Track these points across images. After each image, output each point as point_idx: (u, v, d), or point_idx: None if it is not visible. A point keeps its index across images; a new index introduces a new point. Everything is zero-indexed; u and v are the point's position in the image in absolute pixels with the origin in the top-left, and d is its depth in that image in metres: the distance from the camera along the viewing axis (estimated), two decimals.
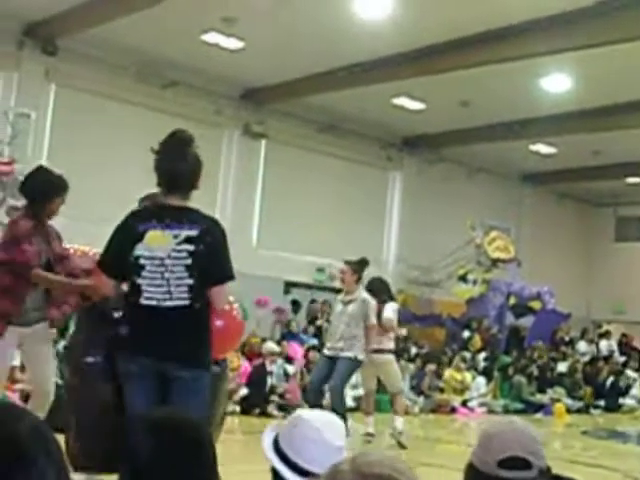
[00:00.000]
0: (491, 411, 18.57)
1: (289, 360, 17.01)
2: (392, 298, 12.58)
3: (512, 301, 23.09)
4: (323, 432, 3.00)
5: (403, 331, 14.24)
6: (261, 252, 21.03)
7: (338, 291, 22.58)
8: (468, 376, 19.13)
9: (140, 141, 19.15)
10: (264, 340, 17.28)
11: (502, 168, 26.00)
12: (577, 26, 14.93)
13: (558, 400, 20.21)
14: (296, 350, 17.51)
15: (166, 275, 5.13)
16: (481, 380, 19.58)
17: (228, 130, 20.96)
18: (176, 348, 5.14)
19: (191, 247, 5.14)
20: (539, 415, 18.74)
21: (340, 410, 11.11)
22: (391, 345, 12.15)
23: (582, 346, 25.26)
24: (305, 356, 16.82)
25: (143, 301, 5.15)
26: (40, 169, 7.23)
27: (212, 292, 5.23)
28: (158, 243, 5.15)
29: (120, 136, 18.69)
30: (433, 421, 13.63)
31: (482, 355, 21.54)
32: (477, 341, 21.96)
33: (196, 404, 5.00)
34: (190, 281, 5.14)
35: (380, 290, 12.37)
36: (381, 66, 17.72)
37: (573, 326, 25.49)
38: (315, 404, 11.32)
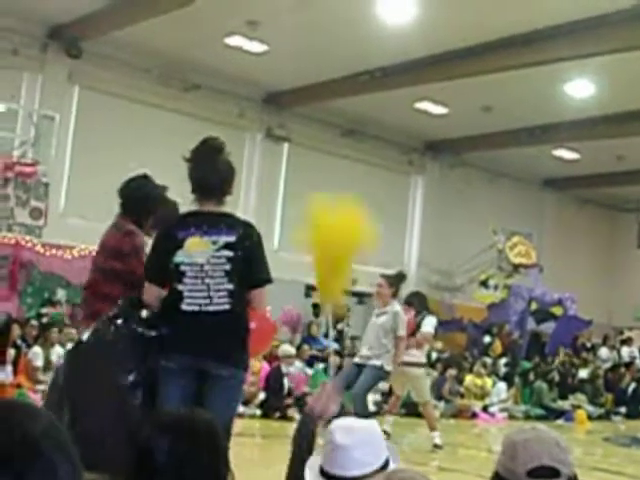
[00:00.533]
0: (512, 417, 18.51)
1: (310, 363, 17.01)
2: (430, 312, 12.67)
3: (533, 307, 23.01)
4: (333, 434, 3.02)
5: (438, 344, 14.29)
6: (282, 255, 20.99)
7: (357, 295, 22.71)
8: (489, 381, 19.06)
9: (163, 144, 19.35)
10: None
11: (524, 173, 25.93)
12: (600, 32, 14.88)
13: (579, 407, 20.12)
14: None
15: (206, 281, 5.22)
16: (502, 385, 19.52)
17: (251, 133, 20.99)
18: (216, 347, 5.23)
19: (230, 253, 5.26)
20: (560, 421, 18.64)
21: (362, 416, 11.16)
22: (423, 359, 12.32)
23: (603, 352, 25.16)
24: (325, 360, 16.80)
25: (185, 307, 5.24)
26: (143, 179, 7.15)
27: (252, 295, 5.36)
28: (197, 249, 5.25)
29: (143, 139, 18.75)
30: (454, 426, 13.60)
31: (503, 360, 21.47)
32: (498, 346, 21.90)
33: (229, 401, 5.19)
34: (230, 286, 5.24)
35: (418, 303, 12.56)
36: (404, 70, 17.70)
37: (594, 332, 25.37)
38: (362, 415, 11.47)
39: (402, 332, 11.51)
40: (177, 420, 2.59)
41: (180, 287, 5.24)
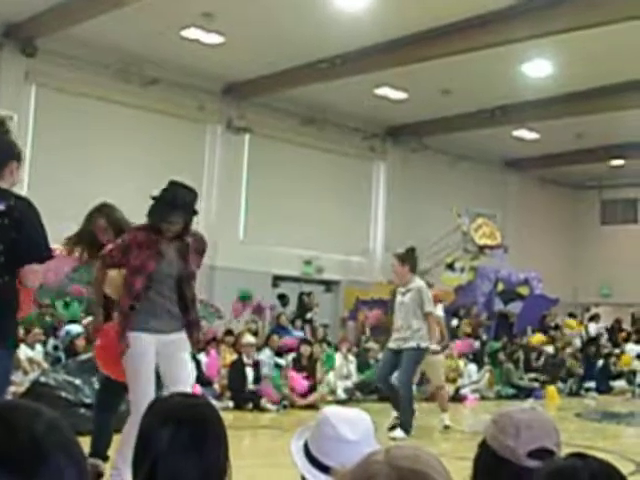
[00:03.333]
0: (483, 397, 18.61)
1: (279, 354, 17.00)
2: (439, 300, 12.82)
3: (500, 287, 23.13)
4: (338, 427, 3.00)
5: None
6: (248, 246, 21.01)
7: (324, 283, 22.72)
8: (461, 363, 19.15)
9: (124, 140, 19.23)
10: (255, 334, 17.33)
11: (486, 155, 26.04)
12: (556, 11, 14.93)
13: (549, 383, 20.30)
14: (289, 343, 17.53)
15: None
16: (472, 367, 19.62)
17: (211, 125, 20.93)
18: None
19: None
20: (531, 400, 18.77)
21: (406, 404, 11.53)
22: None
23: (568, 329, 25.31)
24: (297, 349, 16.78)
25: None
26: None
27: (21, 272, 5.12)
28: None
29: (103, 136, 18.65)
30: (427, 410, 13.63)
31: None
32: (466, 328, 21.98)
33: None
34: None
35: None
36: (362, 57, 17.70)
37: (561, 310, 25.54)
38: (388, 395, 11.82)
39: (429, 308, 11.61)
40: (179, 407, 2.58)
41: None
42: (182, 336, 6.78)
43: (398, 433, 11.29)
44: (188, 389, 6.58)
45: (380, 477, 1.53)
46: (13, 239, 5.03)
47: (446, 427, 12.24)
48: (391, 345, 11.90)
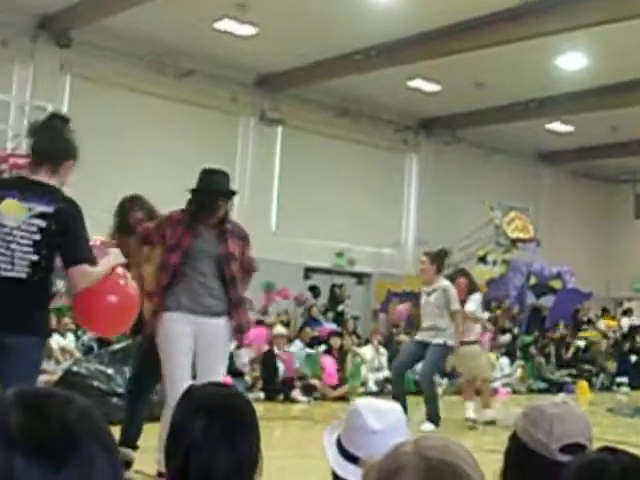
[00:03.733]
0: (515, 391, 18.56)
1: (310, 345, 17.03)
2: (475, 289, 12.73)
3: (532, 281, 23.02)
4: (365, 418, 3.00)
5: (484, 317, 14.46)
6: (280, 238, 21.03)
7: (356, 275, 22.71)
8: (492, 356, 19.10)
9: (157, 131, 19.30)
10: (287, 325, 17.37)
11: (519, 148, 25.91)
12: (589, 3, 14.86)
13: (581, 377, 20.22)
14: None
15: (12, 246, 5.05)
16: (504, 361, 19.56)
17: (244, 117, 20.96)
18: (6, 315, 5.02)
19: (43, 223, 5.07)
20: (562, 394, 18.68)
21: (430, 396, 11.66)
22: (474, 336, 12.45)
23: (602, 325, 25.17)
24: (327, 341, 16.81)
25: None
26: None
27: (67, 273, 5.16)
28: (11, 212, 5.07)
29: (136, 126, 18.72)
30: (457, 403, 13.61)
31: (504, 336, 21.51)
32: (498, 322, 21.92)
33: (22, 374, 4.91)
34: (34, 257, 5.06)
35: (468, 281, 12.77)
36: (396, 48, 17.66)
37: (593, 305, 25.40)
38: (396, 394, 11.65)
39: (456, 306, 11.68)
40: (212, 397, 2.60)
41: None
42: (222, 322, 6.69)
43: (427, 426, 11.30)
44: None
45: (408, 468, 1.54)
46: (58, 244, 5.11)
47: (488, 423, 12.08)
48: (418, 337, 12.04)
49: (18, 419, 1.24)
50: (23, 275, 5.07)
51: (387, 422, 2.98)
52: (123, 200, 7.69)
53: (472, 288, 12.67)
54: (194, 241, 6.61)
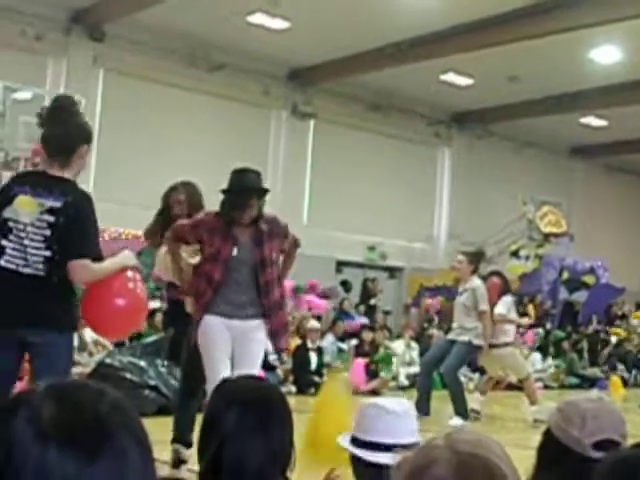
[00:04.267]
0: (546, 387, 18.48)
1: (342, 339, 17.05)
2: (507, 291, 12.72)
3: (565, 276, 22.90)
4: (380, 403, 3.03)
5: (524, 320, 14.38)
6: (312, 231, 21.00)
7: (388, 269, 22.68)
8: (524, 351, 19.04)
9: (189, 124, 19.35)
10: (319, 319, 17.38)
11: (552, 142, 25.78)
12: None
13: (614, 373, 20.11)
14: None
15: (25, 242, 5.05)
16: (537, 356, 19.50)
17: (276, 111, 20.98)
18: (30, 313, 5.04)
19: (52, 218, 5.05)
20: (595, 390, 18.59)
21: (456, 390, 11.70)
22: (507, 338, 12.38)
23: (635, 320, 25.03)
24: (358, 335, 16.81)
25: (3, 263, 5.10)
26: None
27: (68, 267, 5.11)
28: (25, 209, 5.07)
29: (168, 120, 18.79)
30: (490, 397, 13.58)
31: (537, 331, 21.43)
32: (531, 316, 21.84)
33: (53, 369, 4.93)
34: (47, 253, 5.05)
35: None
36: (428, 42, 17.62)
37: (627, 300, 25.27)
38: (421, 387, 11.88)
39: (483, 307, 11.74)
40: (245, 389, 2.60)
41: (4, 242, 5.09)
42: (258, 323, 6.73)
43: (455, 421, 11.30)
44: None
45: (441, 462, 1.53)
46: (67, 238, 5.08)
47: (536, 421, 11.97)
48: (450, 336, 12.23)
49: (51, 411, 1.24)
50: (40, 272, 5.06)
51: (403, 407, 3.05)
52: (174, 184, 7.78)
53: (505, 290, 12.65)
54: (232, 250, 6.62)
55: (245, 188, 6.64)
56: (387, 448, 2.93)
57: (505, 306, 12.35)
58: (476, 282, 11.89)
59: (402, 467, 1.58)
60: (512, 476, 1.59)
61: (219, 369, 6.42)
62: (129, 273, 5.57)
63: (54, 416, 1.24)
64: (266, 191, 6.83)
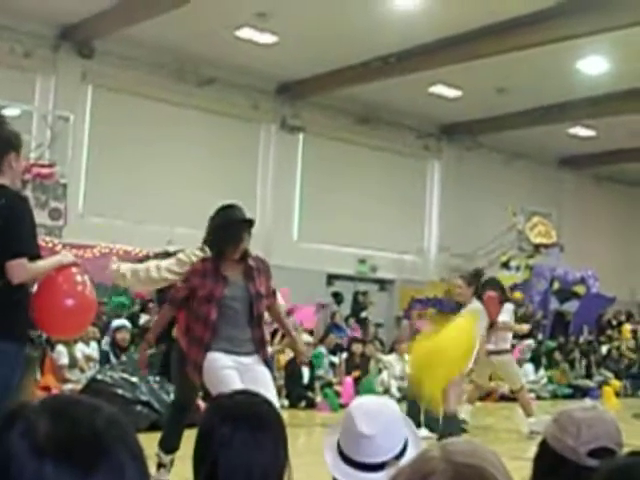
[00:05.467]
0: (539, 397, 18.48)
1: (333, 352, 17.04)
2: (506, 299, 12.73)
3: (556, 286, 22.94)
4: (356, 421, 2.99)
5: (525, 327, 14.34)
6: (302, 245, 21.06)
7: (379, 281, 22.66)
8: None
9: (178, 139, 19.34)
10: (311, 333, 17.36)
11: (541, 153, 25.84)
12: (611, 7, 14.81)
13: (607, 383, 20.11)
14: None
15: None
16: (529, 367, 19.50)
17: (265, 125, 20.99)
18: None
19: None
20: (587, 399, 18.59)
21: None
22: (507, 345, 12.46)
23: (628, 329, 25.07)
24: (348, 348, 16.81)
25: None
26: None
27: (6, 266, 5.08)
28: None
29: (158, 135, 18.78)
30: (482, 408, 13.60)
31: (528, 342, 21.44)
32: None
33: None
34: None
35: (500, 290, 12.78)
36: (416, 55, 17.67)
37: (618, 309, 25.30)
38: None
39: (480, 331, 11.39)
40: (239, 405, 2.61)
41: None
42: (257, 358, 6.79)
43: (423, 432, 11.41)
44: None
45: (437, 474, 1.53)
46: (2, 239, 5.05)
47: (532, 432, 11.89)
48: None
49: (47, 426, 1.24)
50: None
51: (378, 426, 2.97)
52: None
53: (505, 299, 12.68)
54: (225, 291, 6.65)
55: (236, 220, 6.69)
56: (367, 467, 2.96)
57: (508, 314, 12.39)
58: (476, 304, 11.86)
59: (398, 479, 1.58)
60: None
61: (230, 383, 6.36)
62: (78, 276, 5.62)
63: (50, 431, 1.23)
64: (252, 223, 6.87)
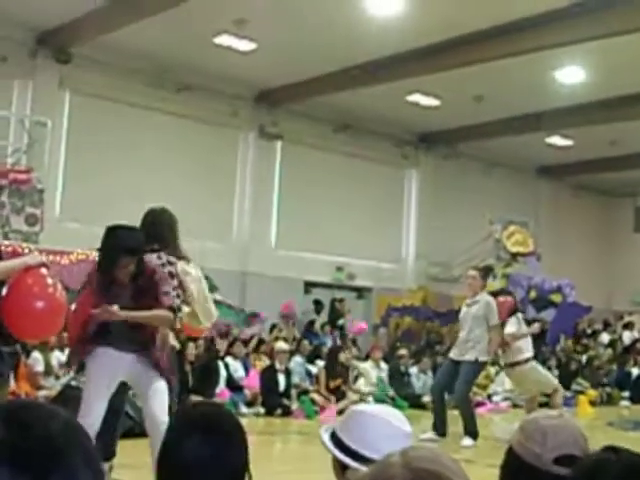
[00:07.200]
0: (515, 405, 18.50)
1: (312, 361, 17.01)
2: (516, 310, 12.82)
3: (533, 295, 22.98)
4: (393, 423, 3.00)
5: (535, 327, 14.31)
6: (280, 253, 21.05)
7: (356, 289, 22.67)
8: (492, 370, 19.07)
9: (156, 145, 19.30)
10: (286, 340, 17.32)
11: (518, 162, 25.94)
12: (588, 17, 14.88)
13: (582, 392, 20.15)
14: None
15: None
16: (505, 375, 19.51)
17: (243, 132, 20.97)
18: None
19: None
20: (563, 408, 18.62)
21: (466, 411, 11.83)
22: (523, 355, 12.45)
23: (604, 338, 25.16)
24: (328, 356, 16.78)
25: None
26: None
27: None
28: None
29: (136, 141, 18.75)
30: (458, 416, 13.59)
31: None
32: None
33: None
34: None
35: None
36: (394, 63, 17.70)
37: (594, 318, 25.39)
38: (438, 414, 11.90)
39: (494, 321, 11.87)
40: (205, 415, 2.60)
41: None
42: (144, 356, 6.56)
43: (466, 441, 11.47)
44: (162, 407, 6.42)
45: (397, 479, 1.53)
46: None
47: None
48: (451, 355, 12.28)
49: (1, 434, 1.23)
50: None
51: (408, 425, 3.03)
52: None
53: (515, 309, 12.78)
54: (107, 299, 6.39)
55: (116, 246, 6.44)
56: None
57: (515, 326, 12.44)
58: (487, 297, 12.10)
59: None
60: None
61: (93, 404, 6.37)
62: (49, 279, 5.63)
63: (4, 437, 1.23)
64: (138, 252, 6.50)
